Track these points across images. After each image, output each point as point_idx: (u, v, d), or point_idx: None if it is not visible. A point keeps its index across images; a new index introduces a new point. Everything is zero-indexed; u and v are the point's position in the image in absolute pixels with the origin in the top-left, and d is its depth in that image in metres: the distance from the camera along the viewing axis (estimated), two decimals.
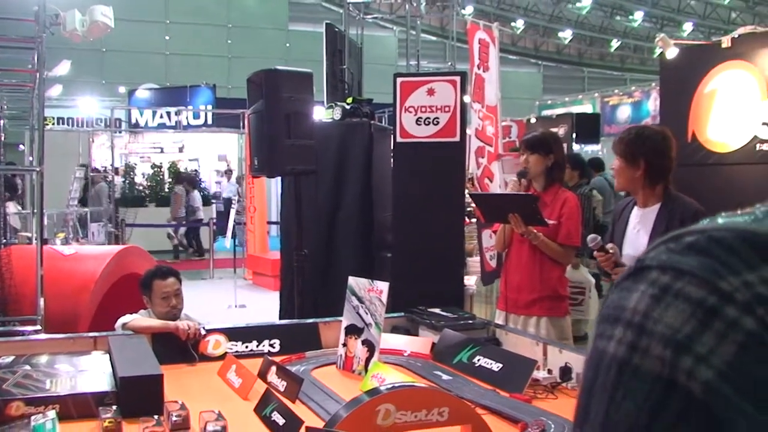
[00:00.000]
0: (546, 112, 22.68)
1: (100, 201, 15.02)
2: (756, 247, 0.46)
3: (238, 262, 13.66)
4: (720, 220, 0.49)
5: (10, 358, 3.42)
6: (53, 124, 21.53)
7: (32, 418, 2.76)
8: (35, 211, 6.32)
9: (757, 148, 5.58)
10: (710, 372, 0.44)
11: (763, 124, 5.53)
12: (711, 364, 0.44)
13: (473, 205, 6.30)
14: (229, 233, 13.37)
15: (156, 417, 2.77)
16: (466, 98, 6.44)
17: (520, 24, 36.21)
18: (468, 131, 6.68)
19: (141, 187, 19.51)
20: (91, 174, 16.12)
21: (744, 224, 0.48)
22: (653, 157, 3.85)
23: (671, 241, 0.50)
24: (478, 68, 6.80)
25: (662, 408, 0.45)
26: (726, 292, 0.45)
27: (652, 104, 19.87)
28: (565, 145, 13.33)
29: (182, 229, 16.80)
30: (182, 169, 19.35)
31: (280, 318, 6.71)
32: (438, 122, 5.89)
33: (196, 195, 17.08)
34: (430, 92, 5.90)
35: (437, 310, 4.45)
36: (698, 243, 0.48)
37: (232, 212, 13.38)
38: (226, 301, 10.71)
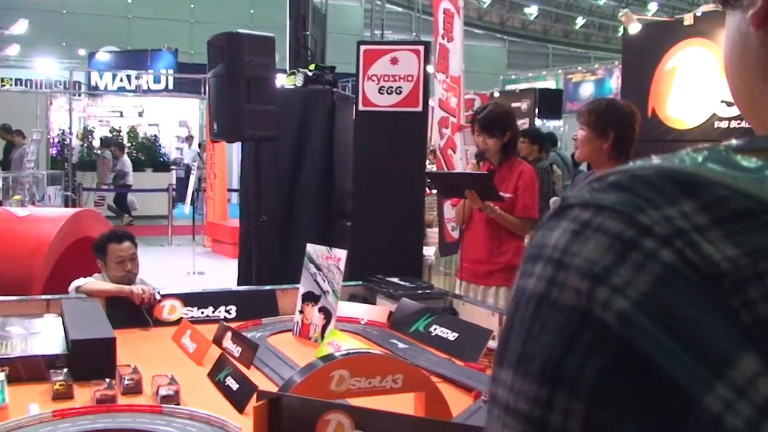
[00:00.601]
0: (510, 87, 22.72)
1: (20, 165, 14.46)
2: (678, 183, 0.46)
3: (197, 230, 13.56)
4: (645, 162, 0.49)
5: None
6: (11, 85, 21.13)
7: None
8: None
9: (716, 126, 5.63)
10: (626, 302, 0.43)
11: (722, 101, 5.59)
12: (627, 295, 0.43)
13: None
14: (188, 200, 13.25)
15: (108, 380, 2.73)
16: (430, 68, 6.42)
17: None
18: (431, 102, 6.66)
19: (98, 152, 19.24)
20: (12, 137, 15.51)
21: (668, 163, 0.48)
22: (621, 130, 3.87)
23: (595, 181, 0.49)
24: (443, 38, 6.76)
25: (576, 339, 0.45)
26: (645, 225, 0.45)
27: (615, 82, 19.98)
28: (527, 120, 13.43)
29: (111, 195, 16.50)
30: (110, 133, 18.95)
31: (239, 285, 6.68)
32: (401, 91, 5.86)
33: (126, 160, 16.73)
34: (394, 61, 5.86)
35: (395, 280, 4.45)
36: (621, 181, 0.48)
37: (192, 178, 13.25)
38: (184, 268, 10.63)
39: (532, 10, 37.22)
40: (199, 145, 16.71)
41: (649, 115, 5.85)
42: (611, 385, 0.43)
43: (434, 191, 7.62)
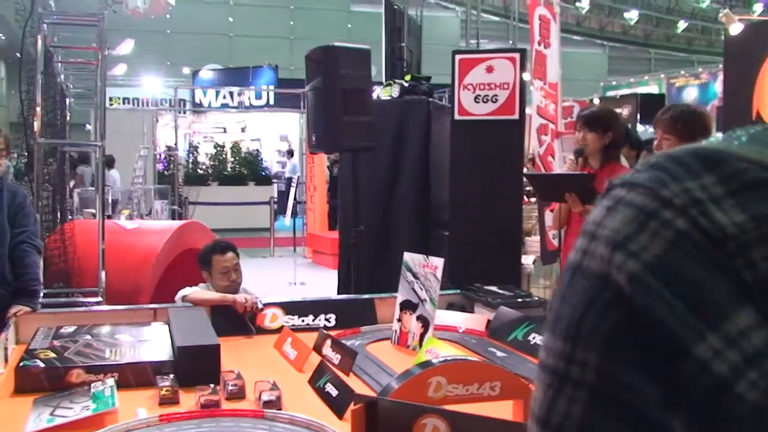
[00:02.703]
0: (610, 93, 22.33)
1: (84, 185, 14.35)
2: (702, 158, 0.49)
3: (298, 241, 13.76)
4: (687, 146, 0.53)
5: (73, 328, 3.50)
6: (119, 104, 21.90)
7: (92, 385, 2.83)
8: (97, 187, 6.45)
9: None
10: (637, 265, 0.47)
11: None
12: (640, 258, 0.47)
13: (529, 185, 6.25)
14: (288, 212, 13.47)
15: (212, 386, 2.80)
16: (526, 76, 6.37)
17: (585, 4, 35.62)
18: (528, 110, 6.61)
19: (204, 167, 19.75)
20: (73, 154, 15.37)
21: (702, 145, 0.51)
22: (708, 135, 3.83)
23: (641, 164, 0.53)
24: (539, 45, 6.71)
25: (596, 300, 0.49)
26: (666, 197, 0.48)
27: (719, 86, 19.42)
28: (630, 126, 13.17)
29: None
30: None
31: (339, 294, 6.75)
32: (497, 99, 5.83)
33: (114, 174, 16.28)
34: (489, 69, 5.84)
35: (493, 288, 4.42)
36: (657, 161, 0.52)
37: (292, 191, 13.47)
38: (286, 278, 10.81)
39: (632, 15, 36.49)
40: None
41: (754, 118, 5.67)
42: (620, 338, 0.48)
43: (532, 199, 7.55)
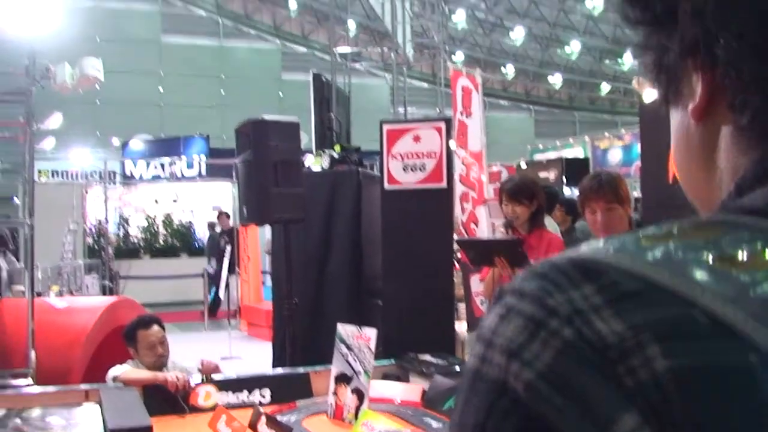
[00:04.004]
0: (538, 156, 22.81)
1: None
2: (581, 269, 0.54)
3: (232, 313, 13.63)
4: (568, 251, 0.57)
5: (2, 412, 3.43)
6: (48, 177, 21.60)
7: None
8: (27, 264, 6.34)
9: None
10: (532, 373, 0.51)
11: None
12: (534, 367, 0.51)
13: (458, 250, 6.33)
14: (222, 284, 13.35)
15: None
16: (453, 144, 6.50)
17: (510, 70, 36.52)
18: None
19: (135, 239, 19.51)
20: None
21: (580, 252, 0.56)
22: (628, 198, 3.94)
23: (527, 271, 0.57)
24: (461, 114, 6.87)
25: (496, 406, 0.52)
26: (552, 307, 0.52)
27: None
28: (558, 190, 13.46)
29: None
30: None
31: (273, 367, 6.69)
32: (425, 168, 5.93)
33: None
34: (416, 138, 5.94)
35: (427, 357, 4.46)
36: (541, 270, 0.56)
37: (225, 262, 13.38)
38: (221, 352, 10.65)
39: (556, 80, 37.51)
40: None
41: (671, 181, 5.85)
42: None
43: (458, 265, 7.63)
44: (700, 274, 0.52)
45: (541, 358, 0.51)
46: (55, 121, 13.03)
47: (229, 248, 13.73)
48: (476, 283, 6.70)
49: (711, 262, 0.53)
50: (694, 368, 0.48)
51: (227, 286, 13.32)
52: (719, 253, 0.53)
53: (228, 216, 16.74)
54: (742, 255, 0.53)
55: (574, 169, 15.25)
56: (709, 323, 0.49)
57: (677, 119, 0.72)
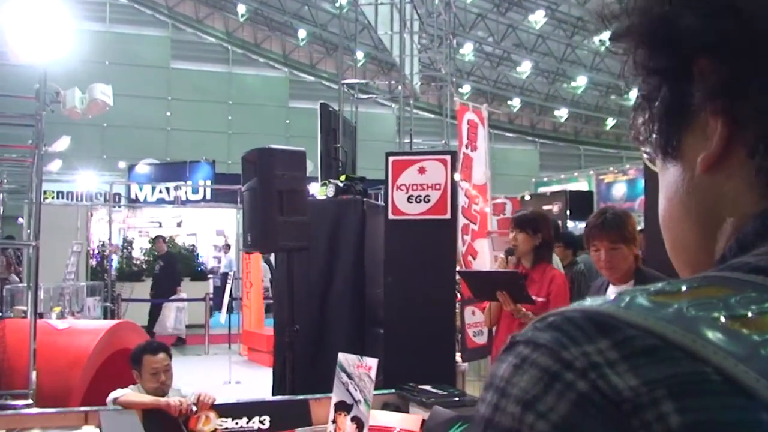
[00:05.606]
0: (542, 189, 22.82)
1: None
2: (596, 323, 0.55)
3: (233, 338, 13.61)
4: (579, 304, 0.58)
5: None
6: (53, 198, 21.69)
7: None
8: (31, 285, 6.37)
9: None
10: (547, 425, 0.52)
11: None
12: (548, 419, 0.52)
13: (460, 281, 6.35)
14: (224, 308, 13.35)
15: None
16: (457, 176, 6.54)
17: (516, 103, 36.73)
18: None
19: (138, 262, 19.53)
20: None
21: (594, 305, 0.57)
22: (634, 237, 3.94)
23: (539, 321, 0.59)
24: (467, 148, 6.93)
25: None
26: (567, 360, 0.54)
27: None
28: (560, 222, 13.48)
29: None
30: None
31: (273, 394, 6.70)
32: (429, 200, 5.96)
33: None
34: (421, 170, 5.99)
35: (427, 387, 4.47)
36: (555, 322, 0.57)
37: (228, 287, 13.39)
38: (221, 377, 10.66)
39: (562, 113, 37.68)
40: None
41: None
42: None
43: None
44: (712, 333, 0.53)
45: (556, 410, 0.52)
46: (62, 144, 13.13)
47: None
48: (470, 315, 6.74)
49: (722, 321, 0.54)
50: (706, 424, 0.50)
51: (230, 310, 13.30)
52: (730, 312, 0.55)
53: (164, 240, 16.87)
54: (752, 314, 0.55)
55: (578, 203, 15.26)
56: (722, 381, 0.51)
57: (673, 175, 0.74)
